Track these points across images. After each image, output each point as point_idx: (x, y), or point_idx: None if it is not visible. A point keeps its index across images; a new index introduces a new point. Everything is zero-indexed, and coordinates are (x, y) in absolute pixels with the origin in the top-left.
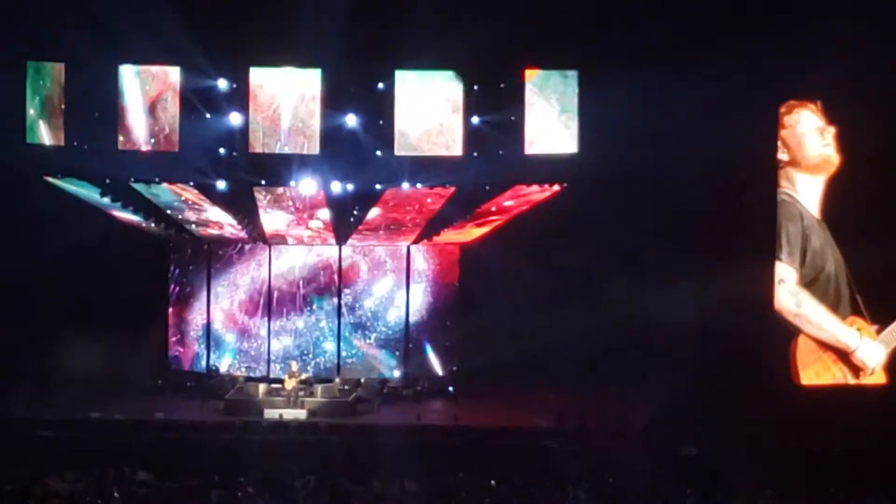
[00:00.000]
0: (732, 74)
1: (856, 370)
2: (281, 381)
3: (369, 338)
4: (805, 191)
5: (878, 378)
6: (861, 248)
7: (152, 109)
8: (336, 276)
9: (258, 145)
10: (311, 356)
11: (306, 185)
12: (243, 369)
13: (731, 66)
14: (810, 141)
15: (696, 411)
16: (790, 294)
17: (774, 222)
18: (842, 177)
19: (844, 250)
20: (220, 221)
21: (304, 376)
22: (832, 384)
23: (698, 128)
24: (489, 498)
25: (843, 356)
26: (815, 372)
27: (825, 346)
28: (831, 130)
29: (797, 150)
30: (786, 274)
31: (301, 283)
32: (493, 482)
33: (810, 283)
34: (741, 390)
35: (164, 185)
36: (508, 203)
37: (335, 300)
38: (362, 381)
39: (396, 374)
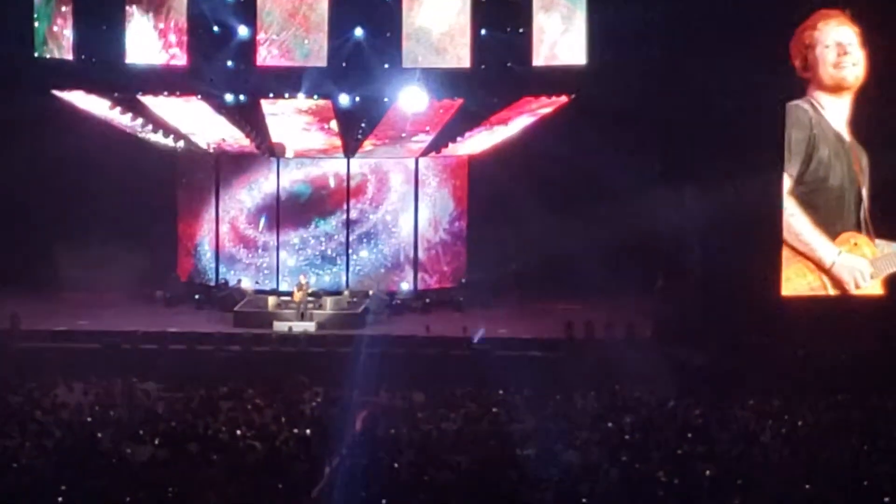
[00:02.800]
0: None
1: (839, 283)
2: (290, 294)
3: (378, 251)
4: (831, 108)
5: (873, 289)
6: (886, 161)
7: (160, 24)
8: (345, 189)
9: (265, 58)
10: (320, 269)
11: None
12: (253, 283)
13: None
14: (825, 60)
15: (700, 319)
16: None
17: (780, 133)
18: (870, 90)
19: (871, 163)
20: (225, 137)
21: (312, 290)
22: (816, 295)
23: (713, 37)
24: (497, 408)
25: (829, 276)
26: (791, 277)
27: (803, 255)
28: (852, 52)
29: (815, 70)
30: None
31: (309, 196)
32: (500, 391)
33: (809, 192)
34: (737, 300)
35: (172, 97)
36: (516, 115)
37: (343, 214)
38: (371, 293)
39: (405, 286)
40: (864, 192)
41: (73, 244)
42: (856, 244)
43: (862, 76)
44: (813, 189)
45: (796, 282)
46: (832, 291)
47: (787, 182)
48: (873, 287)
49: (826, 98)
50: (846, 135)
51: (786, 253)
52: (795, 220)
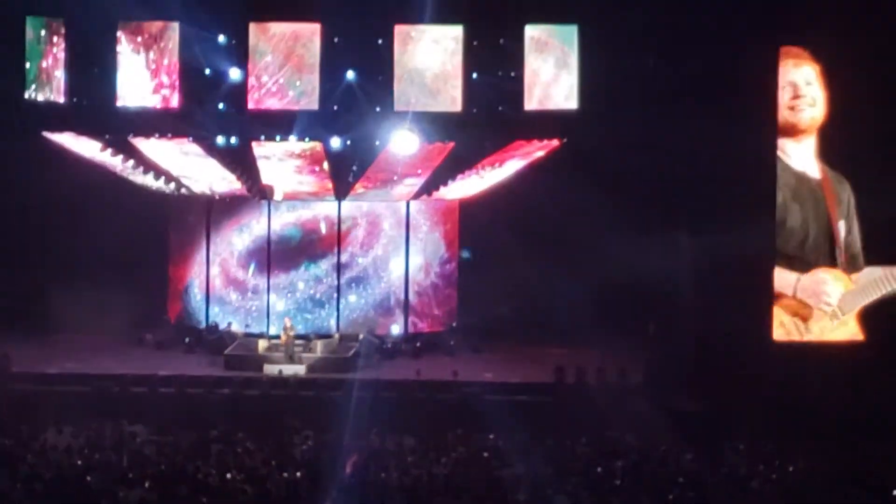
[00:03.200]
0: (731, 20)
1: (803, 316)
2: (278, 337)
3: (368, 294)
4: (791, 149)
5: (853, 332)
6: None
7: (151, 66)
8: (336, 232)
9: (257, 101)
10: (310, 313)
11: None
12: (243, 325)
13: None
14: (780, 103)
15: (691, 365)
16: None
17: (773, 178)
18: (837, 124)
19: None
20: (216, 180)
21: (300, 333)
22: (807, 341)
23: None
24: (487, 452)
25: (795, 308)
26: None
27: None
28: (808, 93)
29: None
30: None
31: (300, 239)
32: (491, 436)
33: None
34: (729, 346)
35: (164, 140)
36: (507, 159)
37: (334, 257)
38: (361, 337)
39: (396, 329)
40: (841, 225)
41: (63, 286)
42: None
43: (821, 116)
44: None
45: (778, 331)
46: (804, 332)
47: None
48: (851, 330)
49: (785, 140)
50: (815, 171)
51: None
52: None
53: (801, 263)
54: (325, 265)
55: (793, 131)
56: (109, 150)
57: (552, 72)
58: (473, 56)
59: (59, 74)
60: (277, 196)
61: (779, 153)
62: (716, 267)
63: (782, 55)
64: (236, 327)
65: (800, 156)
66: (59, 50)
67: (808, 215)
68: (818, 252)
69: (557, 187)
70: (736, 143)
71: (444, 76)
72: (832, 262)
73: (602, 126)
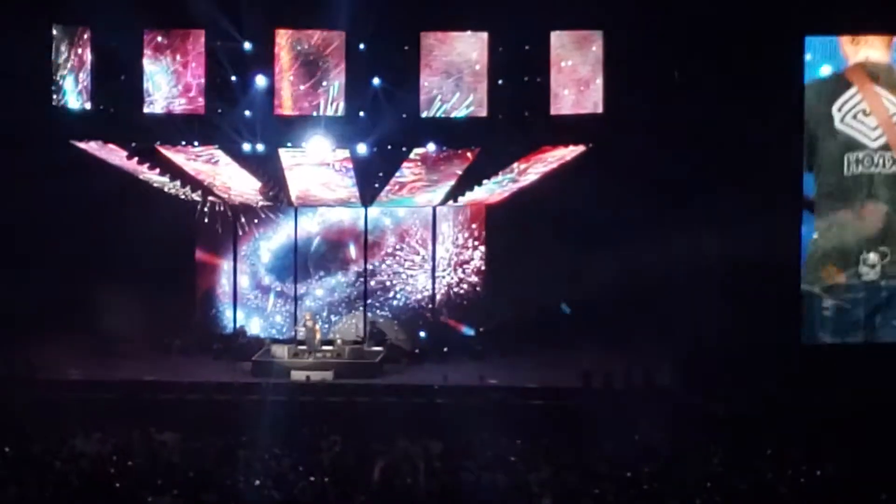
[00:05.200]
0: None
1: None
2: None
3: (396, 300)
4: None
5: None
6: None
7: (178, 72)
8: (363, 239)
9: (283, 107)
10: (337, 318)
11: (323, 147)
12: (270, 332)
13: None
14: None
15: (719, 367)
16: None
17: (800, 175)
18: None
19: None
20: (244, 187)
21: (317, 324)
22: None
23: (726, 82)
24: (515, 457)
25: None
26: None
27: None
28: None
29: None
30: None
31: (327, 245)
32: (518, 441)
33: None
34: (757, 347)
35: (190, 147)
36: (535, 164)
37: (361, 262)
38: (388, 342)
39: (423, 334)
40: None
41: (90, 293)
42: None
43: None
44: None
45: None
46: None
47: None
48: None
49: None
50: None
51: None
52: None
53: None
54: (352, 270)
55: None
56: (136, 158)
57: (578, 77)
58: (498, 61)
59: (85, 81)
60: (304, 202)
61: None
62: (742, 266)
63: None
64: (264, 333)
65: None
66: (85, 57)
67: None
68: None
69: (583, 189)
70: (760, 138)
71: (469, 82)
72: None
73: (627, 129)
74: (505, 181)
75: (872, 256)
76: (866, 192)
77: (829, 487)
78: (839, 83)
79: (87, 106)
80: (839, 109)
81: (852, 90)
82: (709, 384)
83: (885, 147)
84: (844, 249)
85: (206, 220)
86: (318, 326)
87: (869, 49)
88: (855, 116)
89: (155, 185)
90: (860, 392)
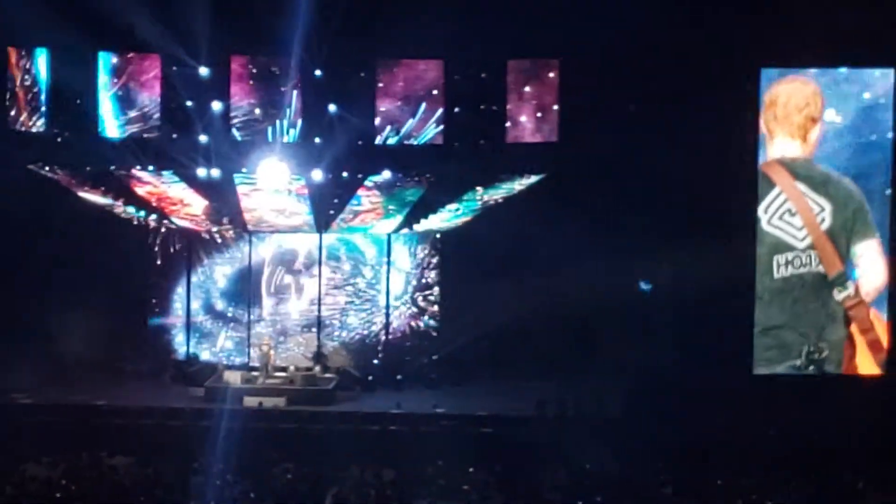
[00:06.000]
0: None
1: None
2: (257, 368)
3: (349, 326)
4: None
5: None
6: None
7: (133, 97)
8: (317, 265)
9: (238, 132)
10: (291, 345)
11: (279, 172)
12: (224, 357)
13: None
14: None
15: (671, 396)
16: None
17: (755, 202)
18: None
19: None
20: (198, 212)
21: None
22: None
23: (678, 113)
24: (467, 485)
25: None
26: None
27: None
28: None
29: None
30: None
31: (281, 271)
32: (471, 469)
33: None
34: (709, 377)
35: (145, 172)
36: (488, 191)
37: (315, 289)
38: (342, 369)
39: (376, 362)
40: None
41: (42, 315)
42: None
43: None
44: None
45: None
46: None
47: None
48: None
49: None
50: None
51: None
52: None
53: None
54: (306, 298)
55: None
56: (90, 182)
57: (534, 105)
58: (454, 89)
59: (41, 105)
60: (259, 227)
61: None
62: (695, 293)
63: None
64: (217, 359)
65: None
66: (40, 80)
67: None
68: None
69: (536, 217)
70: (715, 164)
71: (426, 109)
72: None
73: (582, 157)
74: (465, 210)
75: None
76: (797, 294)
77: None
78: (763, 180)
79: (42, 129)
80: (765, 211)
81: (776, 190)
82: (661, 413)
83: (812, 247)
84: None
85: (159, 245)
86: (272, 352)
87: (785, 144)
88: (781, 217)
89: (111, 209)
90: (811, 422)
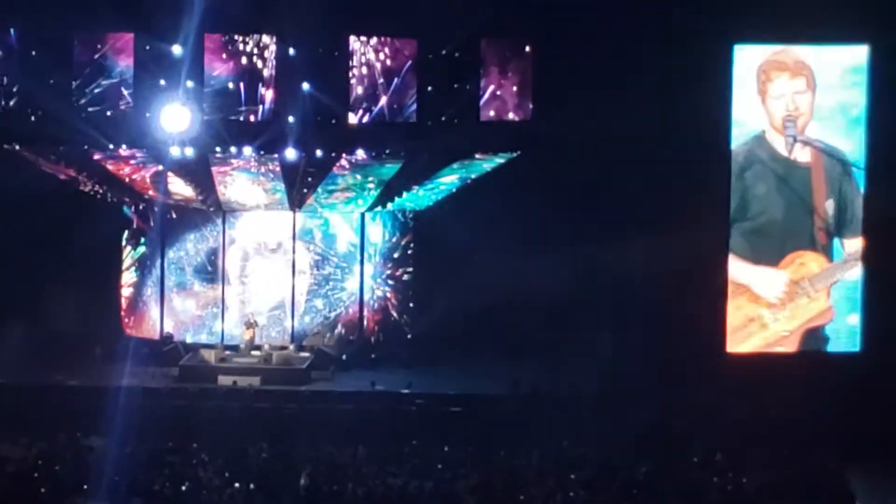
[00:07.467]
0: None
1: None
2: (235, 348)
3: (324, 305)
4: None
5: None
6: None
7: (107, 76)
8: (291, 244)
9: (214, 111)
10: (266, 323)
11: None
12: (198, 336)
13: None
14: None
15: (645, 375)
16: None
17: (727, 179)
18: None
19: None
20: (172, 190)
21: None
22: (761, 352)
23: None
24: (442, 464)
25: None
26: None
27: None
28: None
29: None
30: None
31: (255, 249)
32: (446, 448)
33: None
34: (683, 356)
35: (119, 151)
36: (461, 170)
37: (289, 268)
38: (316, 348)
39: (351, 341)
40: (829, 205)
41: (16, 296)
42: (802, 263)
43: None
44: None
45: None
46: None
47: None
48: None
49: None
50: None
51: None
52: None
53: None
54: (280, 276)
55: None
56: (64, 161)
57: (508, 83)
58: (428, 68)
59: (14, 83)
60: (234, 208)
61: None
62: (668, 273)
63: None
64: (191, 338)
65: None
66: (16, 59)
67: (793, 203)
68: (803, 236)
69: (511, 196)
70: (689, 143)
71: (399, 88)
72: (812, 245)
73: (556, 134)
74: (438, 191)
75: None
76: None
77: (756, 494)
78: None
79: (14, 107)
80: None
81: None
82: (636, 392)
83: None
84: None
85: (133, 224)
86: (254, 330)
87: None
88: None
89: (84, 187)
90: (786, 400)
